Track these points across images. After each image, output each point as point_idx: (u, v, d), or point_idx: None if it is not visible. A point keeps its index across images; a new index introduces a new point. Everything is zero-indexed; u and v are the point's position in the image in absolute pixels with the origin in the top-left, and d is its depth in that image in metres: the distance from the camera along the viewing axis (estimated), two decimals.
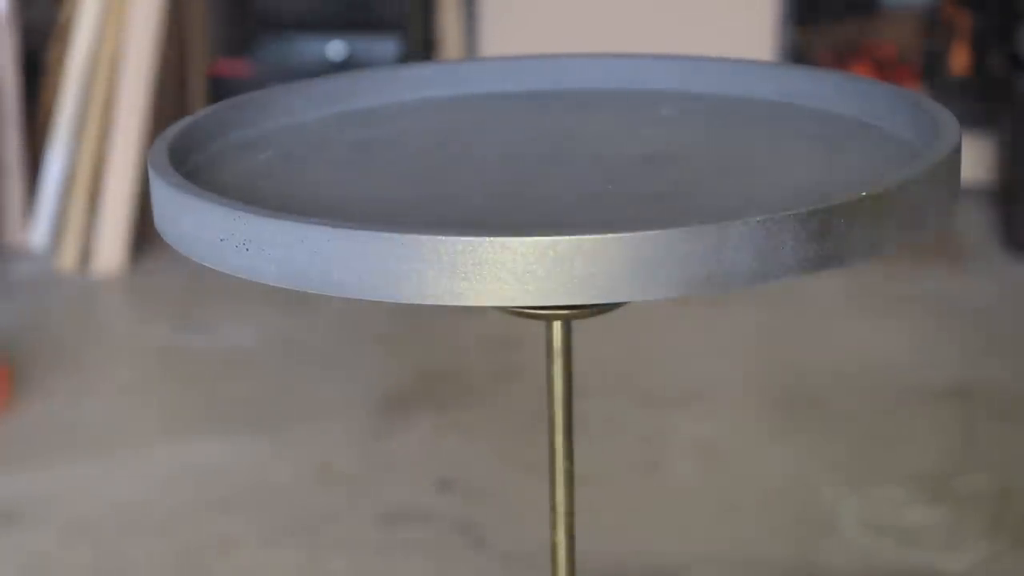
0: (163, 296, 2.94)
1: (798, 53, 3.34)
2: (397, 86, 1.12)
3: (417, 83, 1.12)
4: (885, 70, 3.39)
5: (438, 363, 2.56)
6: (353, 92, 1.10)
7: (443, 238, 0.74)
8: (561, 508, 1.03)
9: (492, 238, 0.73)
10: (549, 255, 0.73)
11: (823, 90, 1.04)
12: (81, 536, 2.02)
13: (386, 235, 0.74)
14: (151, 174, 0.88)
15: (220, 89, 3.37)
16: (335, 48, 3.45)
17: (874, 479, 2.11)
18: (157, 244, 3.01)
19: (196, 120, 0.98)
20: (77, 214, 3.03)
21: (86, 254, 3.03)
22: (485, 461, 2.20)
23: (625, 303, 0.79)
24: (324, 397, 2.43)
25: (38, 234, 3.12)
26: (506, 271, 0.74)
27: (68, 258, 3.01)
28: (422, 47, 3.45)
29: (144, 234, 3.07)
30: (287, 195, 0.91)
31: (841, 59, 3.46)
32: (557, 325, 0.99)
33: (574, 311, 0.94)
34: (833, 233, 0.77)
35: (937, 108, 0.92)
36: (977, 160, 3.16)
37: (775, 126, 1.02)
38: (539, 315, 0.94)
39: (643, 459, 2.20)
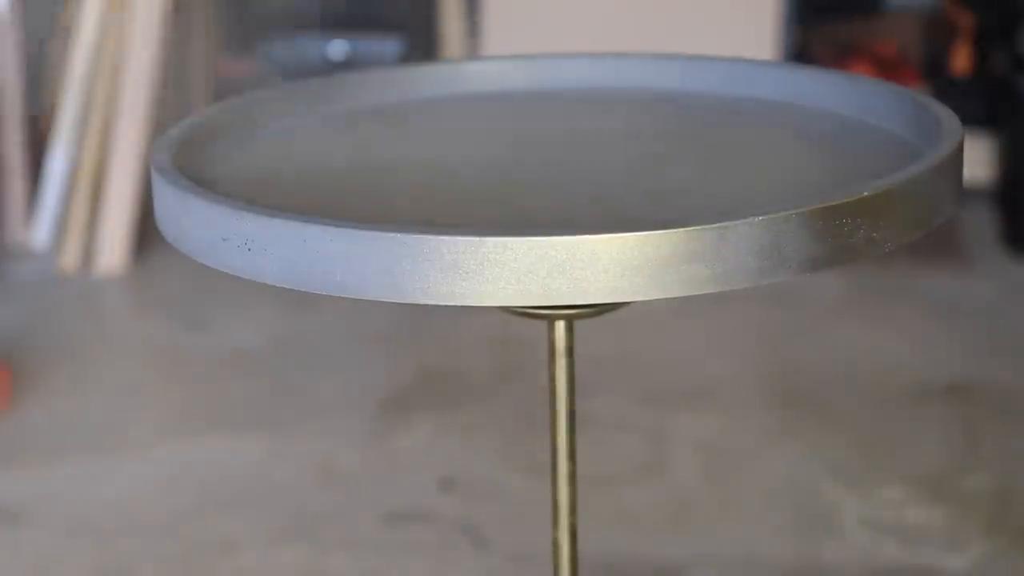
0: (165, 296, 2.94)
1: (799, 53, 3.34)
2: (399, 86, 1.12)
3: (418, 83, 1.12)
4: (886, 70, 3.39)
5: (440, 363, 2.56)
6: (355, 92, 1.10)
7: (445, 238, 0.74)
8: (563, 507, 1.03)
9: (494, 238, 0.73)
10: (551, 255, 0.73)
11: (824, 90, 1.04)
12: (83, 536, 2.02)
13: (388, 235, 0.75)
14: (153, 174, 0.88)
15: (222, 88, 3.38)
16: (337, 48, 3.45)
17: (875, 478, 2.11)
18: (159, 244, 3.01)
19: (198, 120, 0.98)
20: (79, 214, 3.04)
21: (88, 254, 3.03)
22: (486, 460, 2.20)
23: (627, 303, 0.79)
24: (326, 397, 2.43)
25: (40, 234, 3.12)
26: (508, 271, 0.74)
27: (70, 258, 3.02)
28: (424, 47, 3.45)
29: (146, 234, 3.08)
30: (289, 195, 0.91)
31: (842, 59, 3.46)
32: (559, 325, 0.99)
33: (576, 311, 0.94)
34: (834, 233, 0.77)
35: (939, 108, 0.92)
36: (978, 160, 3.17)
37: (776, 126, 1.02)
38: (541, 315, 0.95)
39: (644, 458, 2.20)
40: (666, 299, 0.75)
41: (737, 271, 0.75)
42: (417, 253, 0.74)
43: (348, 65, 3.39)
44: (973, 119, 3.10)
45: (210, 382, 2.51)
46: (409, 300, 0.75)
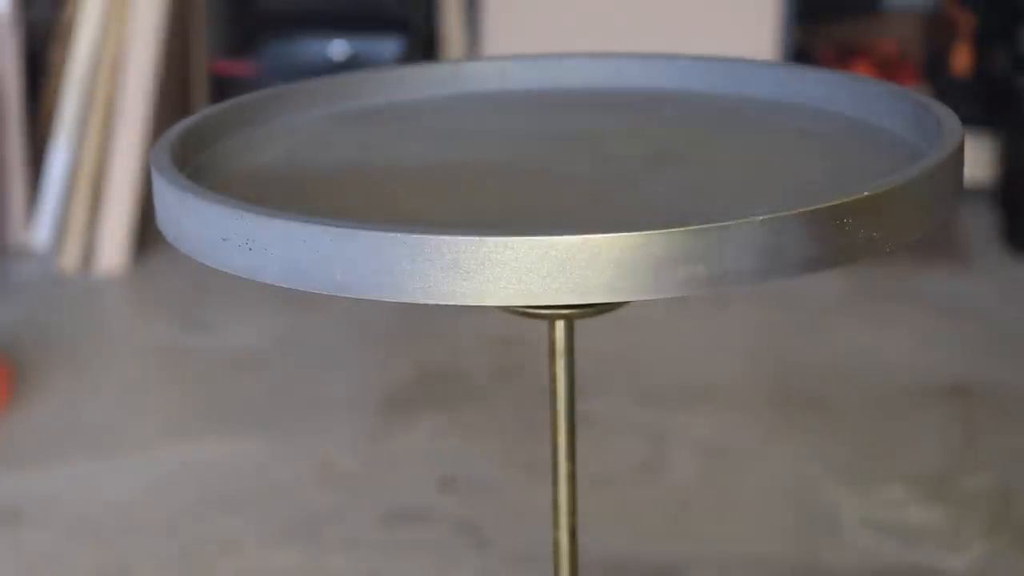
0: (165, 296, 2.94)
1: (799, 53, 3.34)
2: (399, 86, 1.12)
3: (419, 83, 1.12)
4: (886, 70, 3.39)
5: (440, 362, 2.56)
6: (355, 92, 1.10)
7: (446, 237, 0.74)
8: (563, 507, 1.03)
9: (494, 238, 0.73)
10: (551, 255, 0.73)
11: (824, 90, 1.04)
12: (83, 536, 2.02)
13: (389, 235, 0.75)
14: (153, 174, 0.88)
15: (222, 88, 3.38)
16: (337, 47, 3.45)
17: (875, 478, 2.11)
18: (159, 244, 3.01)
19: (198, 120, 0.98)
20: (79, 214, 3.04)
21: (88, 254, 3.03)
22: (487, 460, 2.20)
23: (627, 302, 0.79)
24: (326, 396, 2.43)
25: (40, 234, 3.12)
26: (509, 271, 0.74)
27: (70, 258, 3.02)
28: (424, 46, 3.45)
29: (146, 234, 3.08)
30: (289, 194, 0.91)
31: (843, 59, 3.46)
32: (560, 324, 0.99)
33: (576, 310, 0.94)
34: (835, 233, 0.77)
35: (939, 107, 0.93)
36: (978, 160, 3.17)
37: (776, 126, 1.02)
38: (541, 315, 0.95)
39: (644, 458, 2.20)
40: (666, 299, 0.76)
41: (737, 271, 0.75)
42: (417, 253, 0.74)
43: (348, 65, 3.39)
44: (973, 119, 3.10)
45: (210, 382, 2.51)
46: (409, 300, 0.75)
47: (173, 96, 3.23)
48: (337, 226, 0.76)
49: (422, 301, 0.75)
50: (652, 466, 2.18)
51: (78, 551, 1.98)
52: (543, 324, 0.99)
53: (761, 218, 0.75)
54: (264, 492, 2.13)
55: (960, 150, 0.87)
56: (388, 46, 3.42)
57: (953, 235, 3.10)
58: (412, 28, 3.47)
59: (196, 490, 2.14)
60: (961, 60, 3.32)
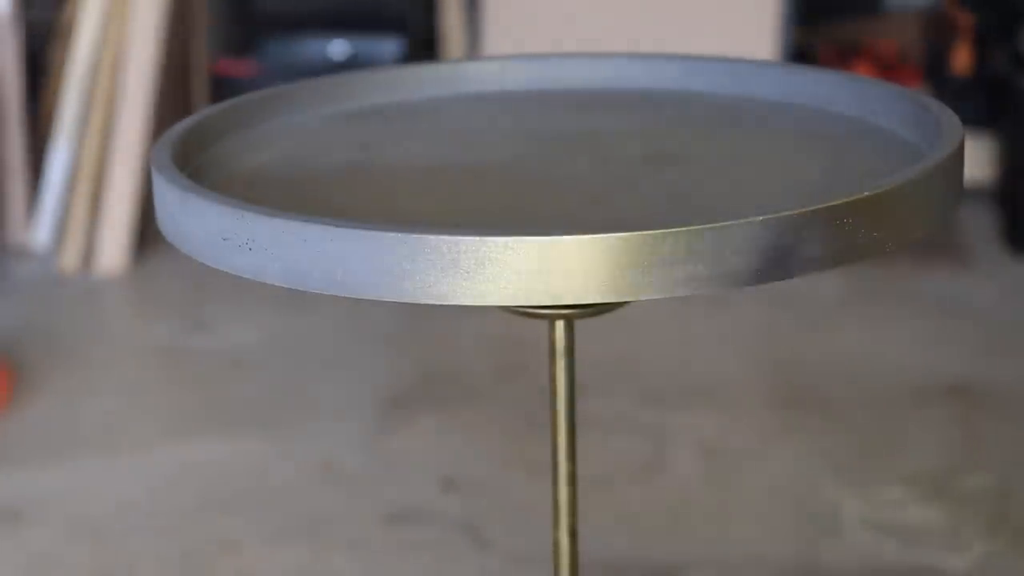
0: (166, 296, 2.94)
1: (799, 53, 3.34)
2: (399, 86, 1.12)
3: (419, 83, 1.12)
4: (887, 70, 3.39)
5: (440, 363, 2.56)
6: (355, 92, 1.10)
7: (446, 237, 0.74)
8: (563, 507, 1.03)
9: (494, 238, 0.74)
10: (551, 255, 0.73)
11: (825, 90, 1.04)
12: (83, 536, 2.02)
13: (389, 234, 0.75)
14: (154, 174, 0.88)
15: (223, 88, 3.38)
16: (337, 48, 3.46)
17: (875, 478, 2.11)
18: (160, 244, 3.01)
19: (199, 120, 0.99)
20: (79, 214, 3.04)
21: (88, 254, 3.03)
22: (487, 461, 2.20)
23: (627, 302, 0.79)
24: (327, 397, 2.43)
25: (40, 234, 3.12)
26: (509, 270, 0.74)
27: (70, 258, 3.02)
28: (424, 46, 3.45)
29: (147, 234, 3.08)
30: (290, 194, 0.91)
31: (843, 59, 3.46)
32: (559, 324, 0.99)
33: (576, 310, 0.94)
34: (835, 233, 0.77)
35: (939, 108, 0.93)
36: (978, 160, 3.16)
37: (776, 126, 1.02)
38: (542, 314, 0.95)
39: (645, 458, 2.20)
40: (666, 299, 0.76)
41: (737, 271, 0.75)
42: (417, 253, 0.74)
43: (348, 65, 3.39)
44: (973, 119, 3.10)
45: (210, 382, 2.51)
46: (409, 300, 0.75)
47: (173, 96, 3.23)
48: (337, 226, 0.76)
49: (422, 301, 0.75)
50: (652, 466, 2.18)
51: (78, 551, 1.98)
52: (543, 324, 0.99)
53: (761, 218, 0.75)
54: (264, 492, 2.13)
55: (960, 150, 0.87)
56: (388, 46, 3.42)
57: (953, 235, 3.10)
58: (412, 28, 3.47)
59: (196, 490, 2.14)
60: (961, 60, 3.32)
